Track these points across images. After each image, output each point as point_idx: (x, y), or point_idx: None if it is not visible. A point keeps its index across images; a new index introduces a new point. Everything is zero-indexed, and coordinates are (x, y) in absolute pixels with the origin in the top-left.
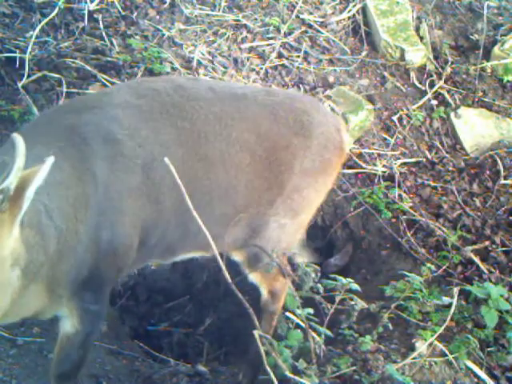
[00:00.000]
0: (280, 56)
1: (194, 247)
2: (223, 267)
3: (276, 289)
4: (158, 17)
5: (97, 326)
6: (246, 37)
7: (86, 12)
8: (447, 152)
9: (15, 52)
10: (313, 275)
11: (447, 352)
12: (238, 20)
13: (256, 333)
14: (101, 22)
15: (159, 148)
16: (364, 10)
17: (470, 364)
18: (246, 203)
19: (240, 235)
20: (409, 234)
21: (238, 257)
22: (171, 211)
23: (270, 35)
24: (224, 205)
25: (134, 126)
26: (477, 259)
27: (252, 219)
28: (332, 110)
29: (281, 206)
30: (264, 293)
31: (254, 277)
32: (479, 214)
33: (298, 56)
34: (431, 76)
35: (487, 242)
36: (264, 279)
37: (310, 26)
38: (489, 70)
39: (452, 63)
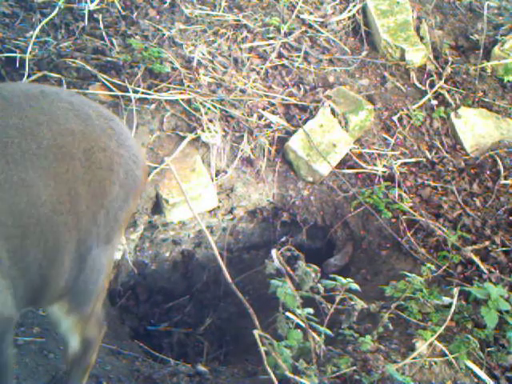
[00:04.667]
0: (280, 56)
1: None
2: (223, 267)
3: (91, 336)
4: (158, 17)
5: None
6: (247, 37)
7: (86, 12)
8: (447, 152)
9: (15, 52)
10: (313, 275)
11: (447, 352)
12: (238, 20)
13: (256, 333)
14: (101, 21)
15: None
16: (364, 10)
17: (470, 364)
18: (75, 220)
19: (68, 275)
20: (409, 234)
21: (57, 307)
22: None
23: (270, 35)
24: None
25: None
26: (477, 259)
27: (79, 245)
28: (332, 110)
29: (103, 221)
30: (75, 343)
31: (66, 323)
32: (479, 214)
33: (298, 56)
34: (431, 76)
35: (487, 242)
36: (79, 324)
37: (310, 26)
38: (489, 70)
39: (452, 63)
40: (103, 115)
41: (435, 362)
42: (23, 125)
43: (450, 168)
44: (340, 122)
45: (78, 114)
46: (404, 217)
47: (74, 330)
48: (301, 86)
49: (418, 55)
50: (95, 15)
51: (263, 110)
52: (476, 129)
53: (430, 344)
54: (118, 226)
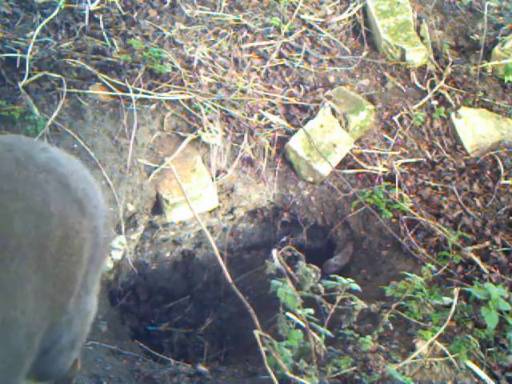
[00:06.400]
0: (280, 56)
1: None
2: (224, 267)
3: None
4: (158, 17)
5: None
6: (247, 37)
7: (86, 12)
8: (448, 152)
9: (16, 52)
10: (313, 275)
11: (447, 352)
12: (238, 20)
13: (256, 333)
14: (101, 22)
15: None
16: (364, 10)
17: (470, 364)
18: (41, 318)
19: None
20: (409, 234)
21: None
22: None
23: (271, 35)
24: (14, 337)
25: None
26: (477, 259)
27: (44, 338)
28: (332, 110)
29: (73, 306)
30: None
31: None
32: (480, 214)
33: (299, 56)
34: (432, 76)
35: (488, 242)
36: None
37: (311, 26)
38: (489, 70)
39: (452, 63)
40: (78, 175)
41: (435, 362)
42: None
43: (451, 168)
44: (340, 122)
45: (56, 186)
46: (404, 217)
47: None
48: (301, 86)
49: (418, 55)
50: (95, 15)
51: (263, 110)
52: (476, 129)
53: (431, 344)
54: (93, 292)
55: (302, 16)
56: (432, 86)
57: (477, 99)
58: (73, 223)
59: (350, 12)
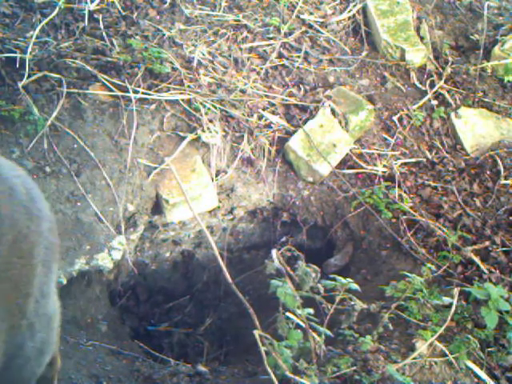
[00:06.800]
0: (280, 56)
1: None
2: (223, 267)
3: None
4: (158, 17)
5: None
6: (247, 37)
7: (86, 12)
8: (447, 152)
9: (15, 52)
10: (313, 275)
11: (447, 352)
12: (238, 20)
13: (256, 333)
14: (101, 22)
15: None
16: (364, 10)
17: (470, 364)
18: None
19: None
20: (409, 234)
21: None
22: None
23: (271, 35)
24: None
25: None
26: (477, 259)
27: (7, 340)
28: (332, 110)
29: (32, 311)
30: None
31: None
32: (479, 214)
33: (299, 56)
34: (431, 76)
35: (487, 242)
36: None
37: (311, 26)
38: (489, 70)
39: (452, 63)
40: (21, 179)
41: (435, 362)
42: None
43: (450, 168)
44: (340, 122)
45: (4, 189)
46: (404, 217)
47: None
48: (301, 86)
49: (418, 55)
50: (95, 15)
51: (263, 110)
52: (476, 129)
53: (430, 344)
54: (50, 295)
55: (301, 16)
56: (432, 85)
57: (476, 99)
58: (21, 227)
59: (349, 12)
